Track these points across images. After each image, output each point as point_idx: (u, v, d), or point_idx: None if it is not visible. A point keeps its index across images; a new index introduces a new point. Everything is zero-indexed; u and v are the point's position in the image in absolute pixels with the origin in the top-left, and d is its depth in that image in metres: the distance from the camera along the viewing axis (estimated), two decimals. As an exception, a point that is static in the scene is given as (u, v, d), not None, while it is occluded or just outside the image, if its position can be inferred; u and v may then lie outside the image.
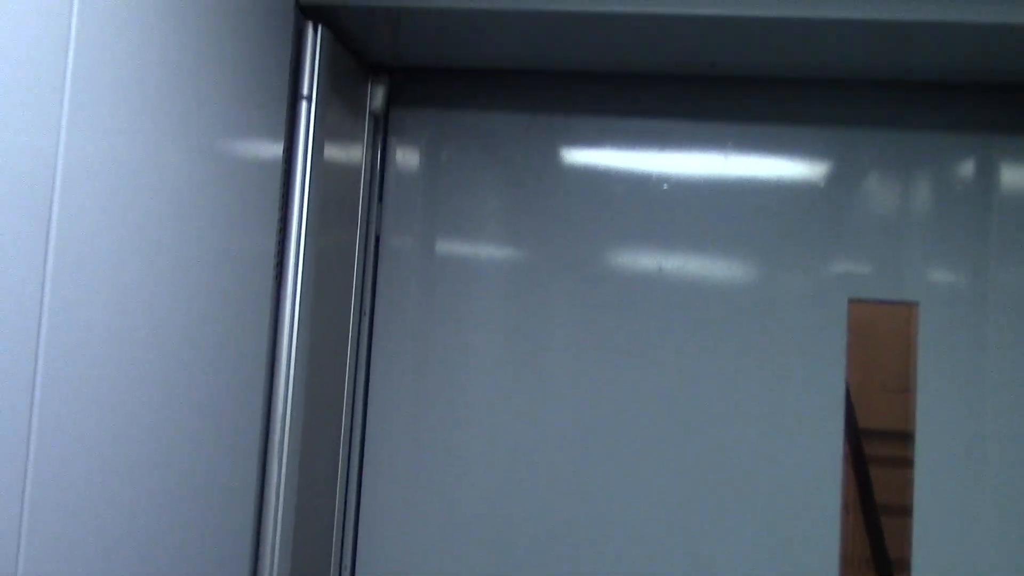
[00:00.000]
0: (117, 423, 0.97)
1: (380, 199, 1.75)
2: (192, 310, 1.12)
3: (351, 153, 1.64)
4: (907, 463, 1.63)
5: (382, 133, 1.76)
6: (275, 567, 1.34)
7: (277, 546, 1.35)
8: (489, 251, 1.73)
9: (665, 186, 1.70)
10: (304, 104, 1.41)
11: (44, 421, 0.84)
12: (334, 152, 1.53)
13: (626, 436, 1.67)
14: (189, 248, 1.11)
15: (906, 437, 1.64)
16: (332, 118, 1.51)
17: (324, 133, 1.46)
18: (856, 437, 1.67)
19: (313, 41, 1.43)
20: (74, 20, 0.86)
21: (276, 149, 1.35)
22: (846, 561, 1.62)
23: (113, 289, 0.95)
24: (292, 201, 1.40)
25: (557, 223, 1.71)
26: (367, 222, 1.72)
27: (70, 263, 0.87)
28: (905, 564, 1.62)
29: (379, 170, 1.76)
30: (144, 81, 0.99)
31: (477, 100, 1.76)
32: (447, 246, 1.74)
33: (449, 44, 1.60)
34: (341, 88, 1.55)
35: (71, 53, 0.86)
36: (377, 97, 1.70)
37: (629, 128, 1.72)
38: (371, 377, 1.74)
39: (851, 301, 1.66)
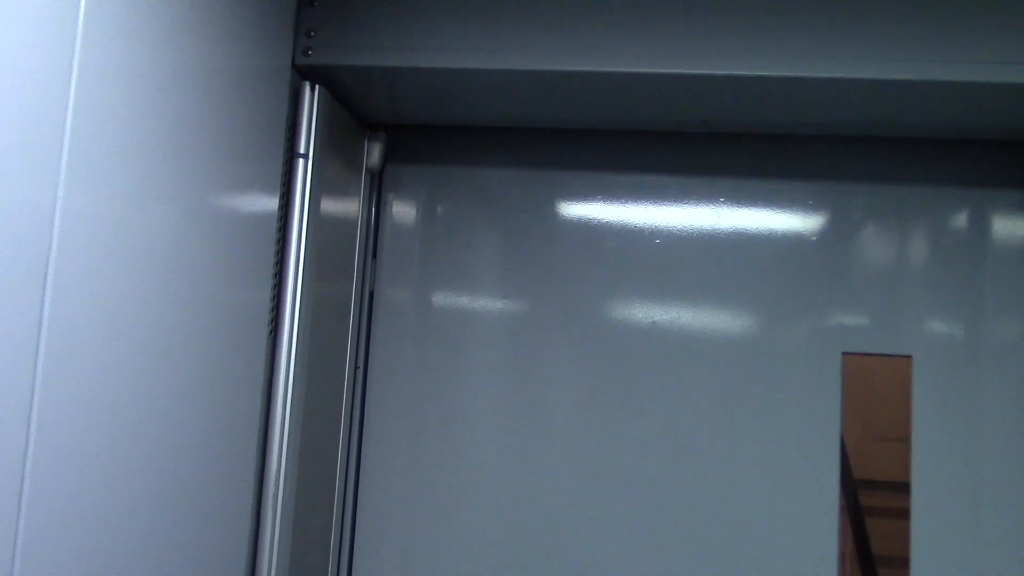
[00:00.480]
0: (113, 472, 0.97)
1: (375, 254, 1.76)
2: (188, 360, 1.13)
3: (347, 209, 1.65)
4: (905, 514, 1.63)
5: (377, 189, 1.78)
6: None
7: None
8: (483, 304, 1.73)
9: (658, 240, 1.71)
10: (301, 162, 1.43)
11: (38, 478, 0.84)
12: (330, 208, 1.54)
13: (621, 486, 1.66)
14: (186, 300, 1.11)
15: (905, 488, 1.64)
16: (329, 175, 1.52)
17: (321, 189, 1.47)
18: (852, 488, 1.66)
19: (310, 100, 1.45)
20: (73, 78, 0.88)
21: (272, 204, 1.36)
22: (844, 614, 1.62)
23: (111, 340, 0.95)
24: (288, 256, 1.41)
25: (551, 278, 1.72)
26: (362, 276, 1.73)
27: (67, 315, 0.87)
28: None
29: (374, 225, 1.77)
30: (142, 138, 1.00)
31: (472, 156, 1.77)
32: (441, 299, 1.75)
33: (444, 102, 1.62)
34: (338, 145, 1.57)
35: (70, 110, 0.87)
36: (374, 154, 1.71)
37: (622, 183, 1.74)
38: (365, 426, 1.74)
39: (844, 354, 1.66)
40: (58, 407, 0.87)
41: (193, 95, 1.11)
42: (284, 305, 1.40)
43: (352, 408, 1.71)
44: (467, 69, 1.43)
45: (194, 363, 1.14)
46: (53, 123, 0.85)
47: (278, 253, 1.40)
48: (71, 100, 0.87)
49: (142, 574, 1.04)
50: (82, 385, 0.91)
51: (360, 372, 1.73)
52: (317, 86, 1.45)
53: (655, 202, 1.73)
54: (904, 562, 1.62)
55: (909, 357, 1.65)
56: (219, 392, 1.22)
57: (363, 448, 1.73)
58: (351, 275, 1.68)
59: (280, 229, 1.40)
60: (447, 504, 1.70)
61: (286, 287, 1.41)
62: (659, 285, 1.70)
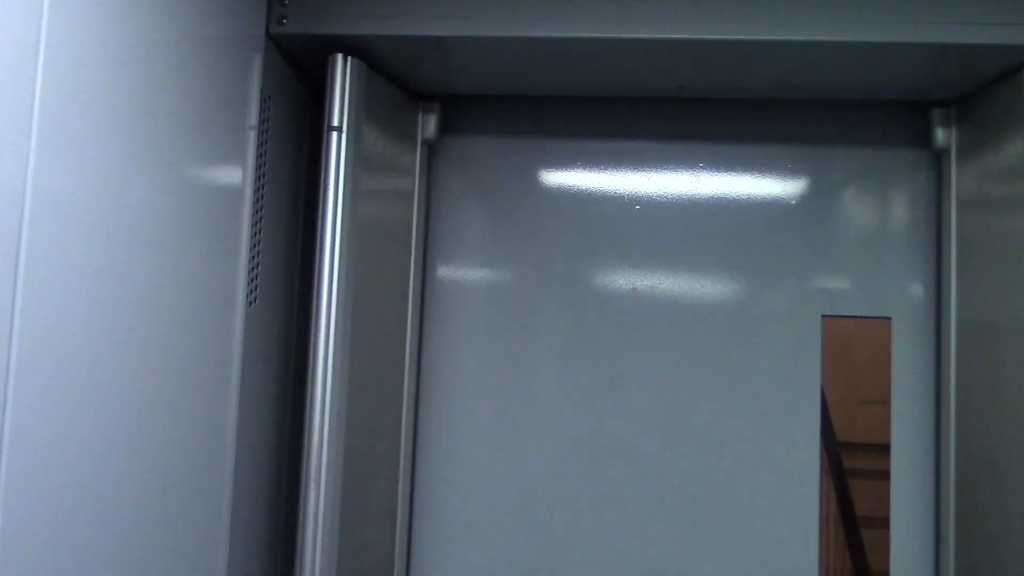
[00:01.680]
0: (86, 441, 0.97)
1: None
2: (163, 334, 1.13)
3: (398, 183, 1.63)
4: (887, 475, 1.64)
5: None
6: None
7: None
8: (471, 273, 1.74)
9: (638, 206, 1.71)
10: (335, 135, 1.42)
11: (15, 440, 0.84)
12: (375, 182, 1.52)
13: (604, 453, 1.68)
14: (159, 273, 1.11)
15: (887, 449, 1.65)
16: (371, 148, 1.50)
17: (360, 163, 1.45)
18: (834, 450, 1.68)
19: (343, 72, 1.43)
20: (41, 50, 0.87)
21: (235, 177, 1.34)
22: (826, 573, 1.63)
23: (86, 315, 0.96)
24: (325, 231, 1.40)
25: (533, 246, 1.73)
26: (423, 251, 1.71)
27: (40, 292, 0.87)
28: (885, 576, 1.63)
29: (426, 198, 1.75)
30: (111, 110, 1.00)
31: (459, 125, 1.76)
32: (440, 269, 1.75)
33: (430, 70, 1.61)
34: (381, 117, 1.54)
35: (39, 83, 0.87)
36: (429, 126, 1.68)
37: (600, 150, 1.73)
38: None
39: (825, 317, 1.67)
40: (33, 384, 0.87)
41: (163, 66, 1.10)
42: (323, 278, 1.40)
43: (418, 383, 1.72)
44: (443, 36, 1.43)
45: (169, 337, 1.14)
46: (22, 96, 0.85)
47: (314, 228, 1.40)
48: (39, 72, 0.87)
49: (116, 563, 1.05)
50: (58, 362, 0.91)
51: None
52: (350, 57, 1.44)
53: (634, 168, 1.72)
54: (886, 523, 1.64)
55: (889, 319, 1.66)
56: (192, 366, 1.22)
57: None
58: (407, 250, 1.66)
59: (313, 203, 1.41)
60: (442, 475, 1.71)
61: (323, 264, 1.40)
62: (640, 251, 1.70)
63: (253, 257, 1.39)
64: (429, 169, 1.73)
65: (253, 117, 1.37)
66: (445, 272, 1.74)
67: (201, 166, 1.22)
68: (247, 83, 1.35)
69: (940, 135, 1.62)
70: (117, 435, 1.03)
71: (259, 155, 1.39)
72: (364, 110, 1.47)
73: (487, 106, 1.76)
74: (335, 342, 1.40)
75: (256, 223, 1.39)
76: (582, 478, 1.68)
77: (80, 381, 0.95)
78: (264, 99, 1.40)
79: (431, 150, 1.73)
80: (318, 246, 1.41)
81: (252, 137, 1.37)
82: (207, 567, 1.28)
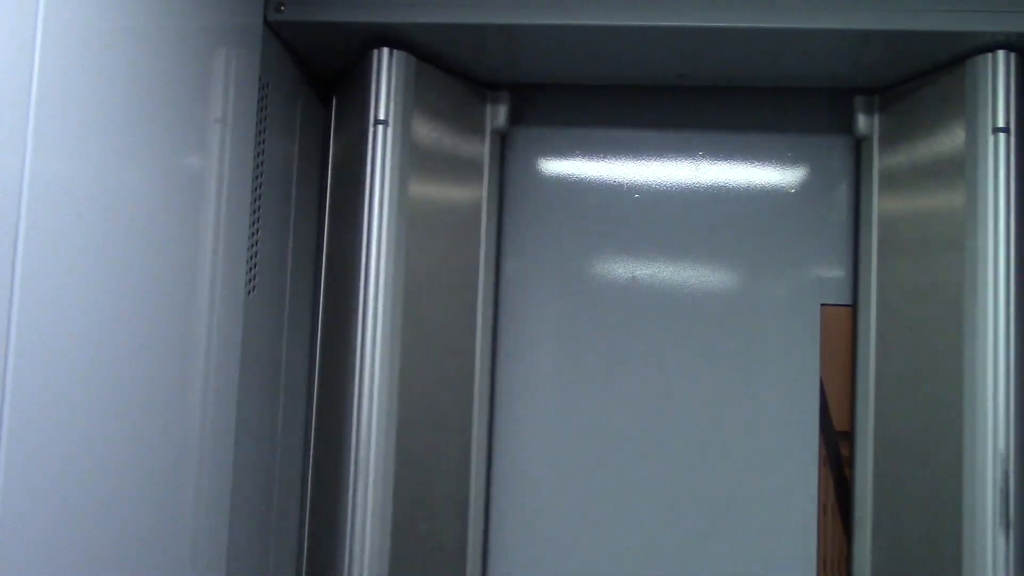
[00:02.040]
0: (85, 432, 0.97)
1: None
2: (159, 317, 1.13)
3: (460, 176, 1.61)
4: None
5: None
6: None
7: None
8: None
9: (637, 195, 1.71)
10: (381, 128, 1.41)
11: (12, 433, 0.84)
12: (430, 175, 1.51)
13: (602, 441, 1.68)
14: (159, 264, 1.11)
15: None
16: (425, 140, 1.49)
17: (411, 156, 1.45)
18: (832, 439, 1.68)
19: (388, 65, 1.43)
20: (38, 40, 0.86)
21: (233, 165, 1.32)
22: (823, 563, 1.64)
23: (83, 300, 0.95)
24: (371, 225, 1.41)
25: (533, 236, 1.72)
26: (496, 244, 1.69)
27: (38, 284, 0.87)
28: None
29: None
30: (107, 99, 0.99)
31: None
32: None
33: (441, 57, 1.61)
34: (437, 108, 1.53)
35: (35, 73, 0.86)
36: (498, 116, 1.66)
37: (599, 138, 1.73)
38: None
39: (824, 306, 1.67)
40: (31, 375, 0.86)
41: (158, 55, 1.10)
42: (368, 276, 1.40)
43: (493, 375, 1.70)
44: (448, 24, 1.42)
45: (169, 325, 1.14)
46: (19, 90, 0.85)
47: (363, 221, 1.39)
48: (35, 67, 0.86)
49: (115, 551, 1.05)
50: (57, 351, 0.91)
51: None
52: (395, 50, 1.43)
53: (633, 157, 1.72)
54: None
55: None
56: (193, 353, 1.22)
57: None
58: (475, 241, 1.63)
59: (359, 198, 1.40)
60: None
61: (370, 258, 1.40)
62: (639, 240, 1.70)
63: (252, 246, 1.39)
64: (502, 159, 1.71)
65: (254, 105, 1.36)
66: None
67: (198, 155, 1.21)
68: (244, 72, 1.34)
69: (862, 122, 1.61)
70: (116, 427, 1.03)
71: (257, 144, 1.39)
72: (413, 102, 1.46)
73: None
74: (381, 335, 1.40)
75: (255, 211, 1.39)
76: (571, 468, 1.68)
77: (80, 370, 0.95)
78: (262, 87, 1.39)
79: (503, 140, 1.71)
80: (364, 239, 1.41)
81: (251, 127, 1.36)
82: (206, 556, 1.28)
